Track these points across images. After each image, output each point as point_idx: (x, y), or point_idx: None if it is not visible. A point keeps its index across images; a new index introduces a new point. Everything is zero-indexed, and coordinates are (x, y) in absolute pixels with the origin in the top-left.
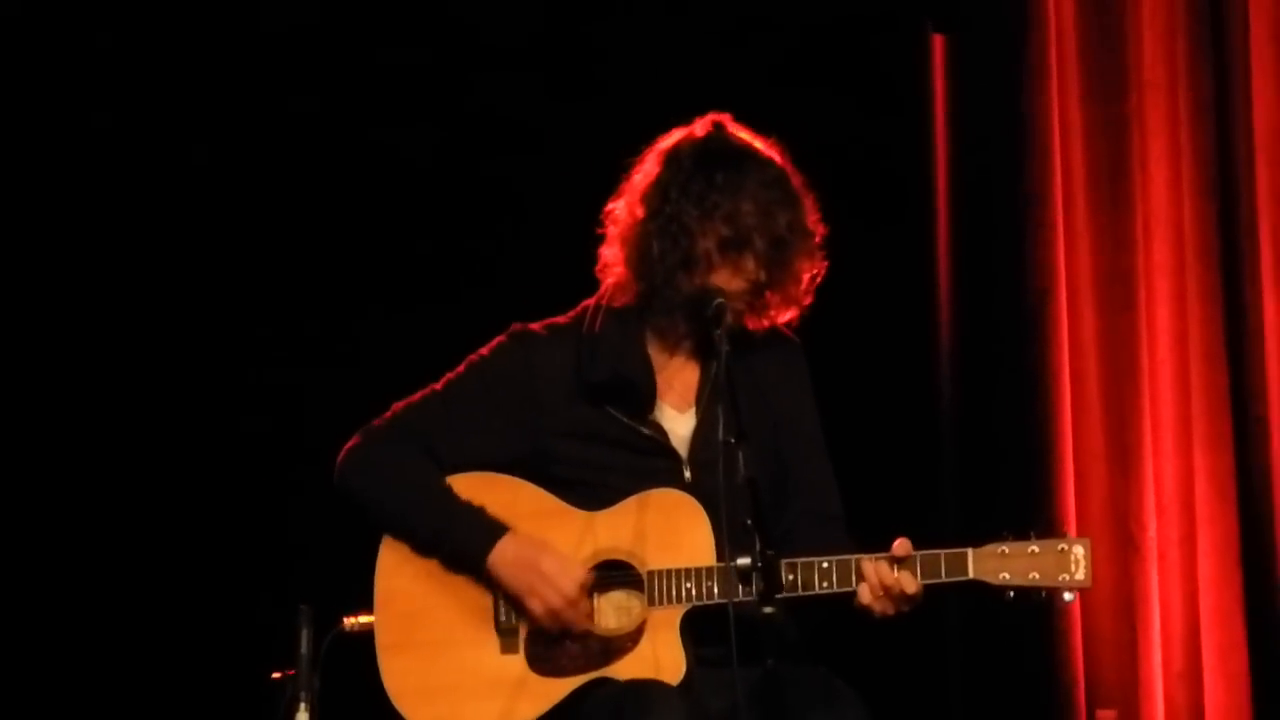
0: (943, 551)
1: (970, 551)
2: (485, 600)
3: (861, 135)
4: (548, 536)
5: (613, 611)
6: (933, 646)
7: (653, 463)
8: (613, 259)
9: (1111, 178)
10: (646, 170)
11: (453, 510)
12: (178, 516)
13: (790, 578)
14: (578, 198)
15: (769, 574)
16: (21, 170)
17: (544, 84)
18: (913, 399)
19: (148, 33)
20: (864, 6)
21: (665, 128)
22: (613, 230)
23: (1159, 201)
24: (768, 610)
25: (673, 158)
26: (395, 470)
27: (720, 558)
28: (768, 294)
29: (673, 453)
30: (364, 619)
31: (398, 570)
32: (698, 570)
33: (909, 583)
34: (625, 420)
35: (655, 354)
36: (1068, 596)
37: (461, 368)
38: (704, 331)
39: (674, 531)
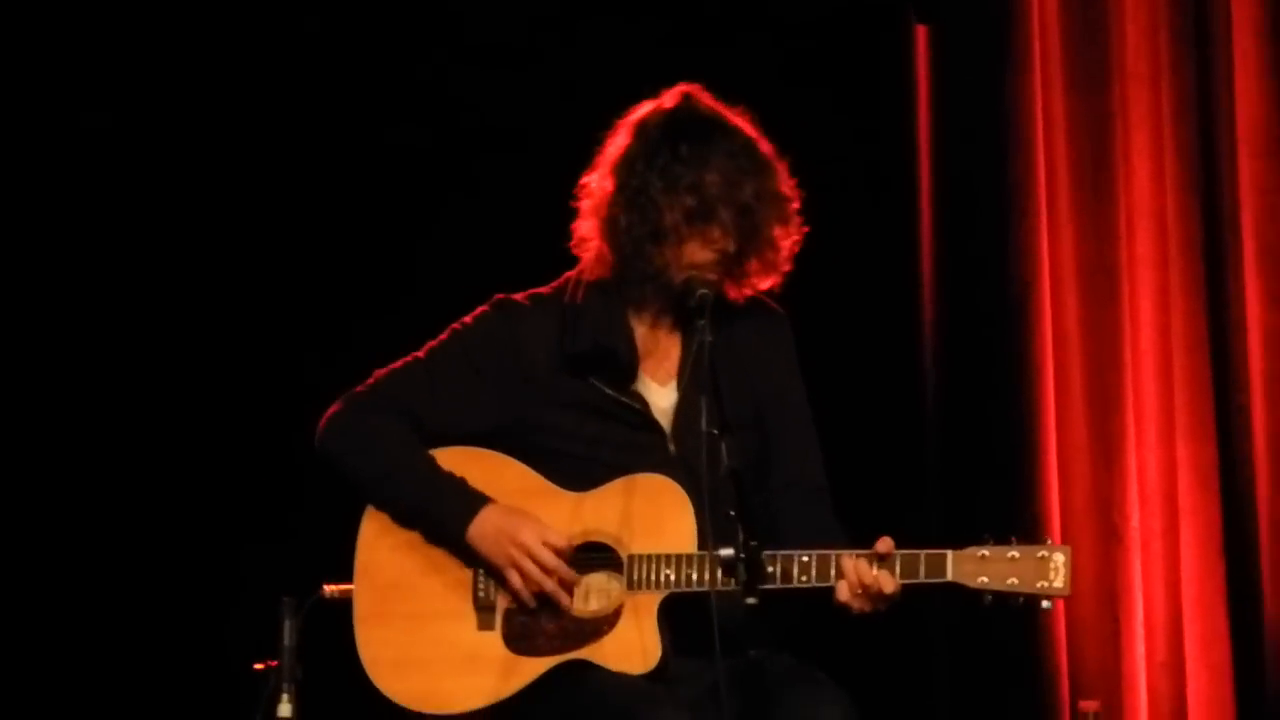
0: (922, 552)
1: (950, 554)
2: (465, 575)
3: (845, 126)
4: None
5: (592, 593)
6: (916, 638)
7: (636, 435)
8: (587, 232)
9: (1095, 170)
10: (617, 143)
11: (434, 481)
12: (159, 505)
13: (770, 569)
14: (551, 184)
15: (752, 565)
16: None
17: (527, 79)
18: (897, 390)
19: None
20: None
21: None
22: (586, 204)
23: (1142, 194)
24: (750, 601)
25: (640, 130)
26: (376, 438)
27: (702, 546)
28: (745, 262)
29: (655, 425)
30: (344, 586)
31: (379, 541)
32: (678, 557)
33: (887, 582)
34: (607, 391)
35: (637, 326)
36: (1045, 604)
37: (444, 335)
38: (685, 306)
39: (658, 517)
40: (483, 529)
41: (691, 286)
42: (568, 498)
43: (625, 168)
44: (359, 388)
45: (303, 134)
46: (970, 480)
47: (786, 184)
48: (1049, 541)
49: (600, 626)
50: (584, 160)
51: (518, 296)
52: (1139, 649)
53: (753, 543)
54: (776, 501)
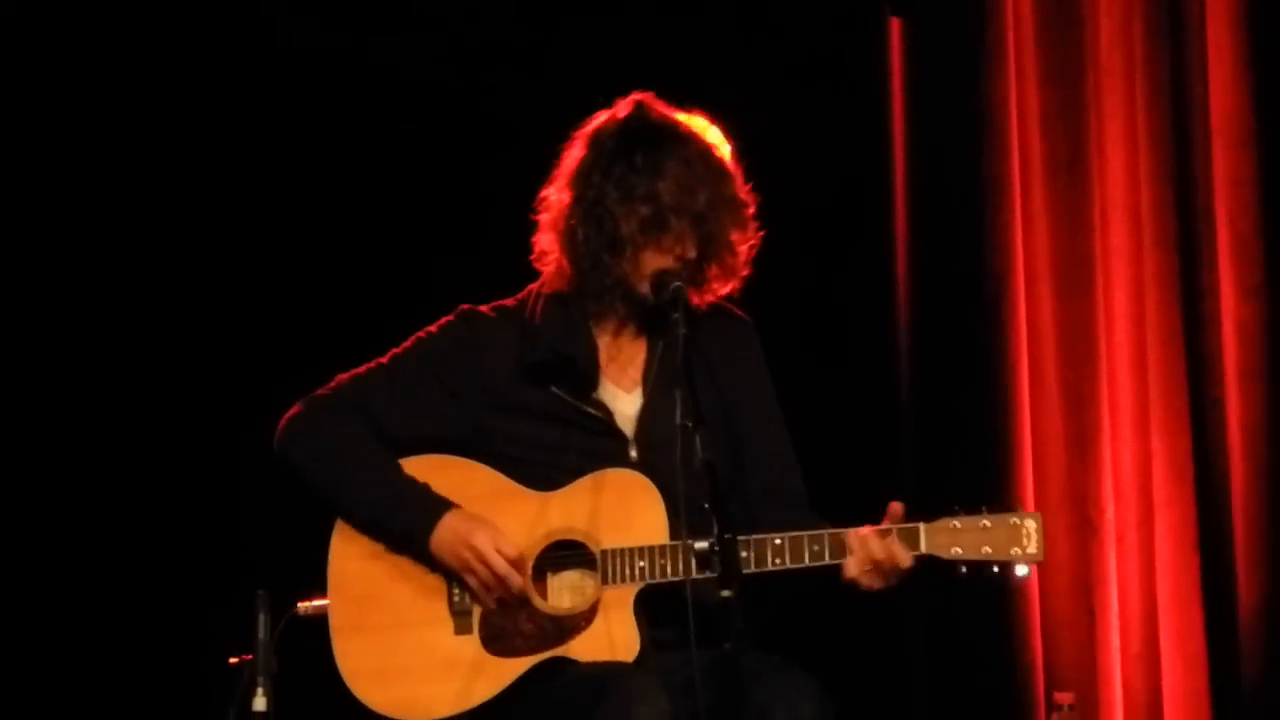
0: (894, 527)
1: (922, 526)
2: (438, 582)
3: (818, 119)
4: (500, 517)
5: (566, 591)
6: (891, 630)
7: (599, 442)
8: (547, 245)
9: (1069, 162)
10: (573, 154)
11: (395, 487)
12: (133, 502)
13: (744, 554)
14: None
15: (727, 557)
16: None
17: (504, 71)
18: (871, 383)
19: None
20: None
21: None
22: (545, 217)
23: (1116, 186)
24: (725, 594)
25: (595, 140)
26: (336, 443)
27: (674, 537)
28: (704, 268)
29: (618, 432)
30: (318, 602)
31: (350, 554)
32: (650, 549)
33: (903, 556)
34: (568, 399)
35: (599, 335)
36: (1021, 570)
37: (408, 342)
38: (649, 312)
39: (627, 511)
40: (442, 535)
41: (665, 280)
42: (536, 498)
43: (581, 179)
44: (320, 390)
45: (282, 137)
46: (945, 473)
47: (743, 189)
48: (1019, 508)
49: (577, 623)
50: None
51: (482, 308)
52: (1114, 641)
53: (727, 535)
54: (755, 507)
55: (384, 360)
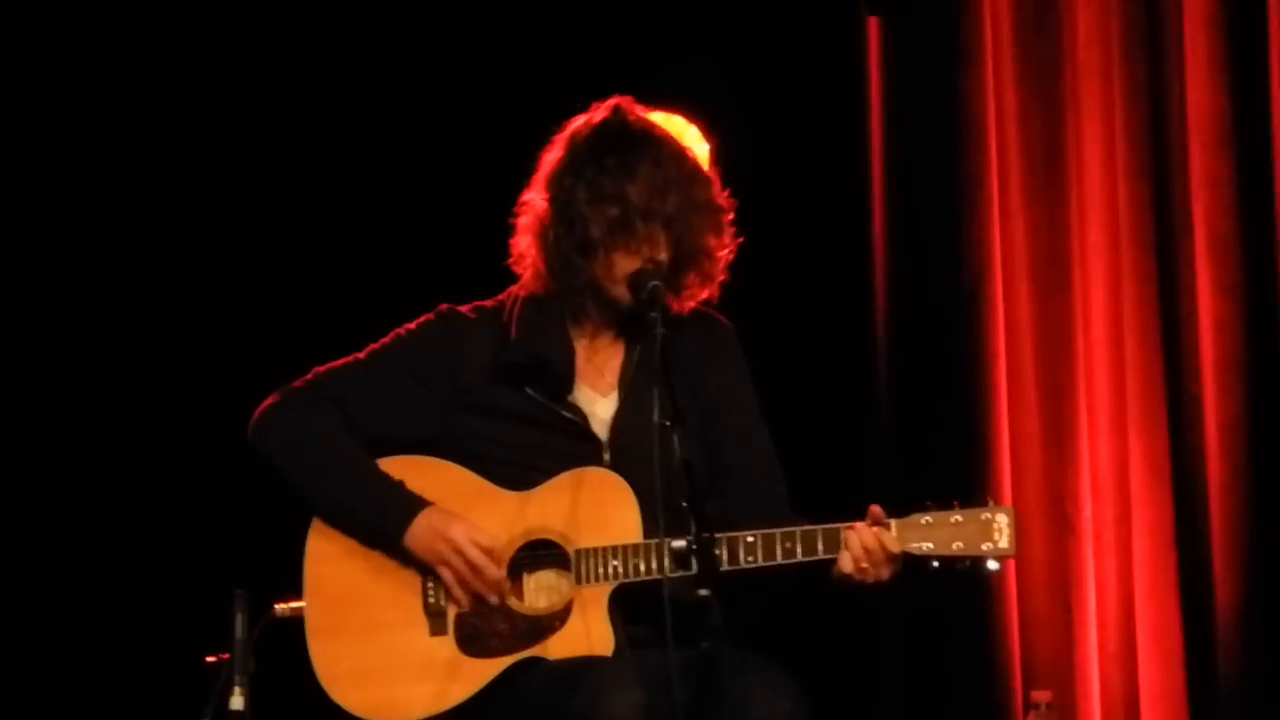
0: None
1: (894, 522)
2: (414, 583)
3: (796, 118)
4: (476, 518)
5: (542, 591)
6: (868, 629)
7: (572, 445)
8: (524, 248)
9: (1046, 160)
10: (549, 157)
11: (369, 483)
12: (109, 500)
13: (716, 553)
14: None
15: (704, 555)
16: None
17: (481, 62)
18: (848, 381)
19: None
20: None
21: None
22: (523, 220)
23: (1093, 184)
24: (702, 592)
25: (569, 143)
26: (310, 435)
27: (648, 537)
28: (680, 274)
29: (592, 436)
30: (295, 604)
31: (326, 555)
32: (625, 548)
33: (890, 540)
34: (543, 401)
35: (578, 337)
36: (992, 565)
37: (387, 339)
38: (626, 315)
39: (602, 511)
40: (416, 531)
41: (642, 280)
42: (511, 497)
43: (554, 182)
44: (296, 382)
45: (265, 128)
46: (922, 471)
47: (719, 194)
48: (992, 503)
49: (552, 623)
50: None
51: (462, 308)
52: (1091, 639)
53: (705, 534)
54: (737, 510)
55: (361, 356)
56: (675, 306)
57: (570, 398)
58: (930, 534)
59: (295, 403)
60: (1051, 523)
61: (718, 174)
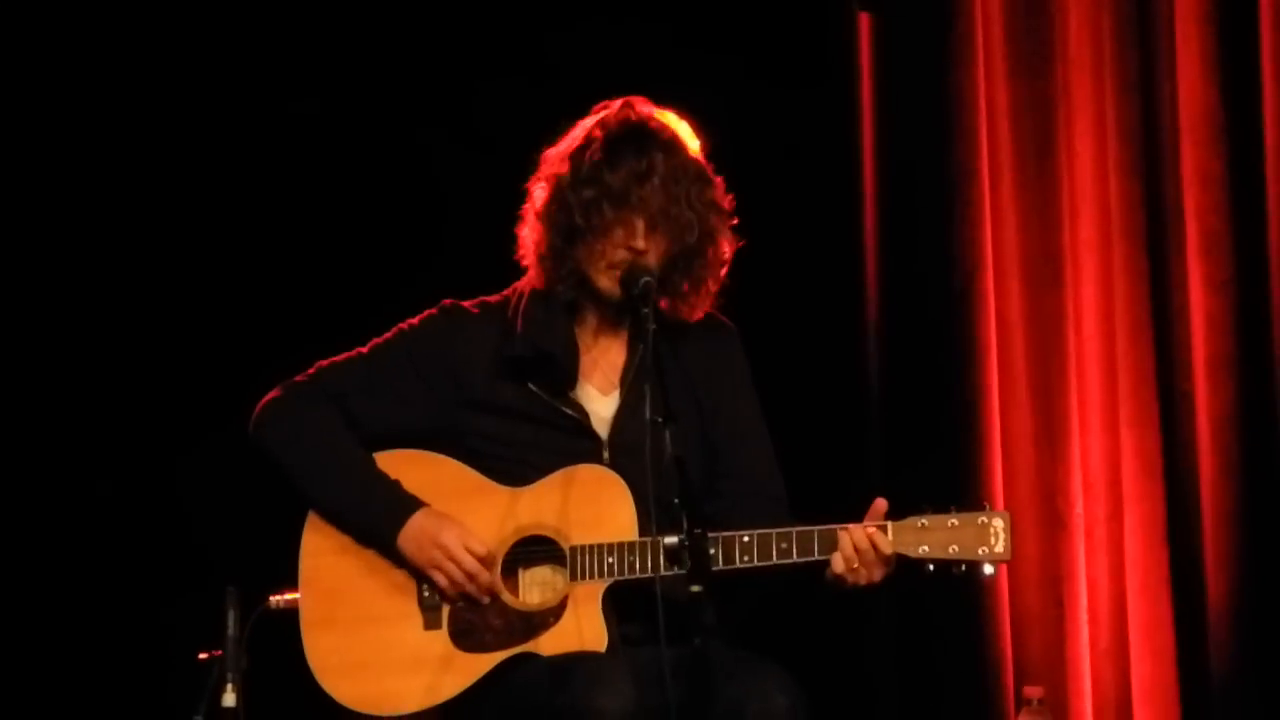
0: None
1: (890, 524)
2: (408, 577)
3: (787, 113)
4: (470, 513)
5: (536, 587)
6: (861, 626)
7: (572, 443)
8: (524, 236)
9: (1038, 155)
10: (553, 152)
11: (367, 482)
12: (101, 496)
13: (712, 552)
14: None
15: (696, 552)
16: None
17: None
18: (839, 377)
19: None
20: None
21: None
22: (525, 208)
23: (1084, 179)
24: (695, 589)
25: (575, 137)
26: (310, 431)
27: (644, 534)
28: (672, 273)
29: (593, 434)
30: (289, 597)
31: (322, 548)
32: (620, 545)
33: (882, 542)
34: (545, 398)
35: (581, 335)
36: (988, 570)
37: (389, 334)
38: (625, 313)
39: (597, 508)
40: (409, 533)
41: (635, 274)
42: (506, 493)
43: (549, 169)
44: (298, 376)
45: (263, 130)
46: (914, 467)
47: (721, 198)
48: (988, 507)
49: (546, 619)
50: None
51: (465, 303)
52: (1083, 635)
53: (697, 530)
54: (734, 512)
55: (364, 350)
56: (683, 312)
57: (572, 395)
58: (926, 537)
59: (296, 397)
60: (1043, 519)
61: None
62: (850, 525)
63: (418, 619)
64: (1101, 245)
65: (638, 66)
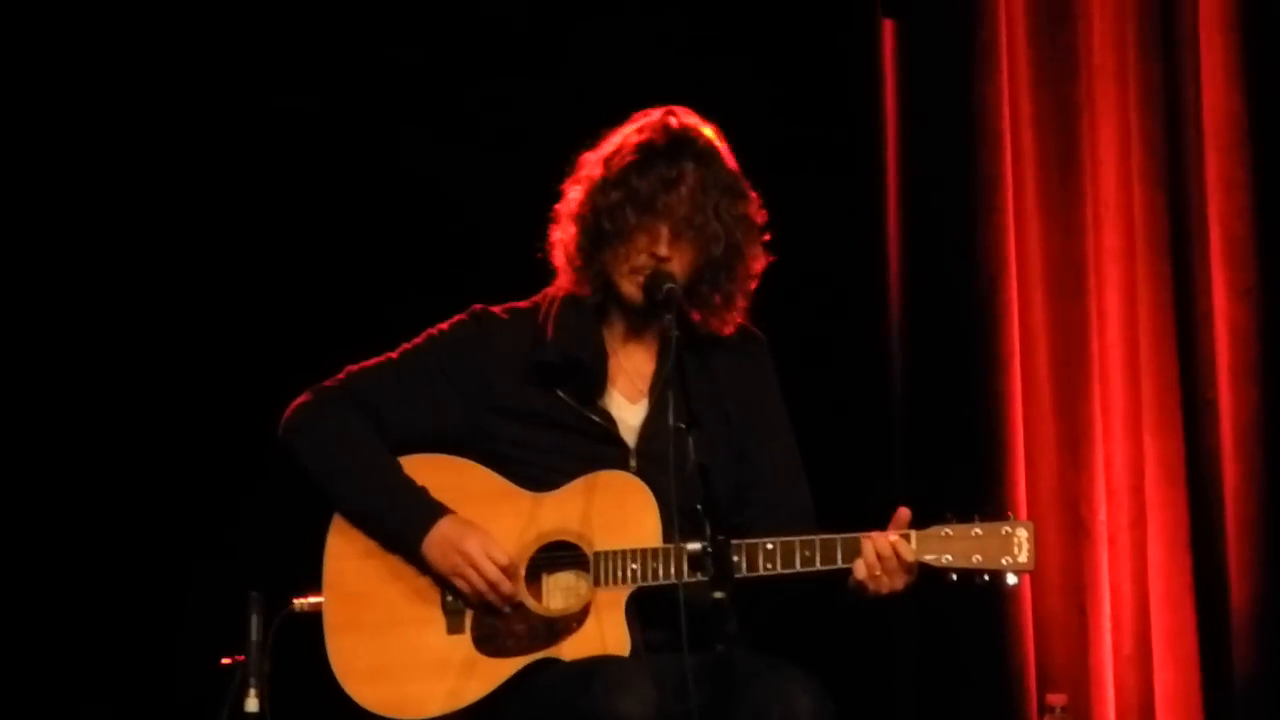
0: (896, 532)
1: (913, 533)
2: (432, 581)
3: (812, 121)
4: (494, 518)
5: (559, 592)
6: (883, 632)
7: (599, 449)
8: (555, 236)
9: (1061, 163)
10: (590, 155)
11: (393, 488)
12: (126, 500)
13: (735, 559)
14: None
15: (719, 558)
16: None
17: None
18: (864, 384)
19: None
20: None
21: (613, 114)
22: (559, 208)
23: (1108, 187)
24: (717, 595)
25: (613, 141)
26: (340, 435)
27: (667, 541)
28: (698, 284)
29: (620, 441)
30: (314, 600)
31: (347, 552)
32: (644, 551)
33: (905, 549)
34: (573, 404)
35: (611, 341)
36: (1011, 580)
37: (419, 339)
38: (656, 322)
39: (621, 513)
40: (433, 539)
41: (658, 281)
42: (530, 498)
43: (585, 173)
44: (328, 381)
45: (287, 131)
46: (937, 474)
47: (755, 213)
48: (1012, 517)
49: (569, 624)
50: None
51: (495, 308)
52: (1106, 642)
53: (720, 537)
54: (760, 520)
55: (394, 355)
56: (714, 325)
57: (600, 402)
58: (950, 546)
59: (326, 402)
60: (1066, 526)
61: None
62: (873, 533)
63: (441, 624)
64: (1125, 252)
65: (658, 71)
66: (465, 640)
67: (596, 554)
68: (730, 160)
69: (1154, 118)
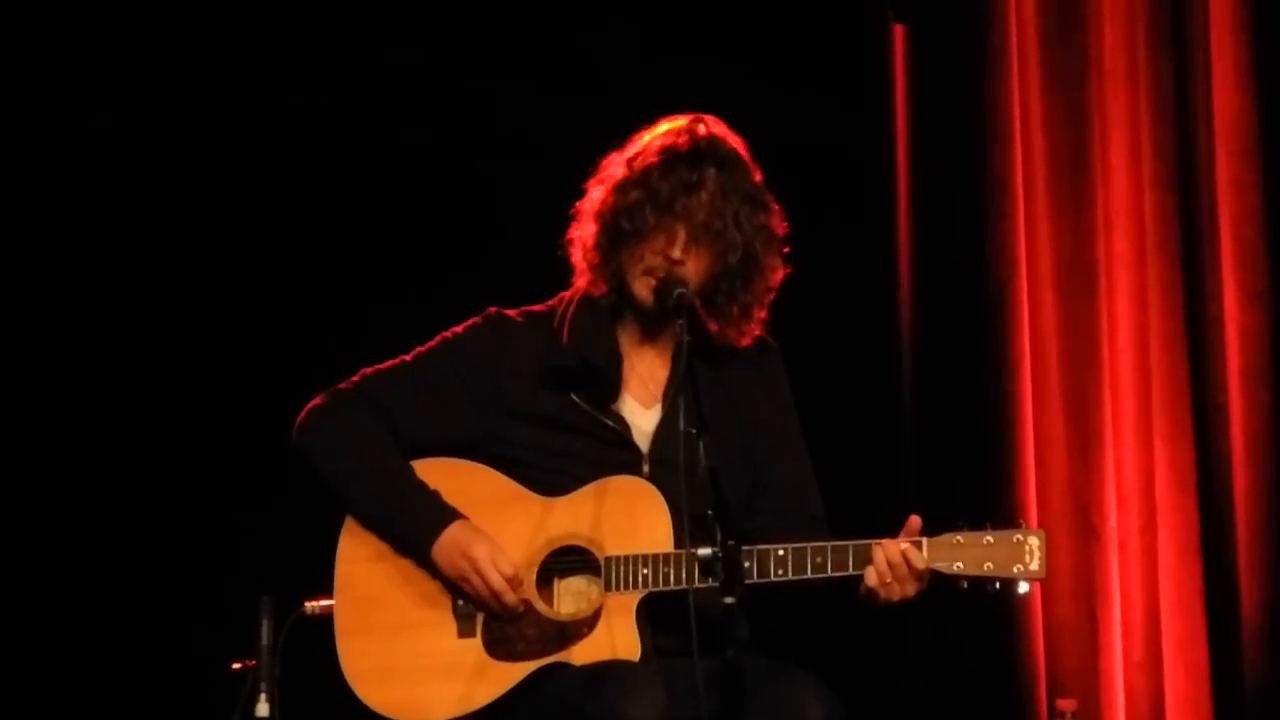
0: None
1: (925, 540)
2: (443, 585)
3: (823, 125)
4: (505, 522)
5: (570, 597)
6: (894, 638)
7: (612, 454)
8: (574, 234)
9: (1072, 168)
10: (615, 155)
11: (405, 492)
12: (137, 505)
13: (746, 565)
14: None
15: (730, 563)
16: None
17: (532, 80)
18: (874, 388)
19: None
20: None
21: (626, 121)
22: (580, 204)
23: (1119, 192)
24: (728, 600)
25: (639, 143)
26: (353, 441)
27: (679, 546)
28: (715, 292)
29: (634, 447)
30: (325, 602)
31: (358, 555)
32: (655, 556)
33: (915, 557)
34: (587, 409)
35: (626, 346)
36: (1022, 588)
37: (434, 343)
38: (664, 323)
39: (632, 519)
40: (443, 543)
41: (670, 285)
42: (542, 503)
43: (608, 173)
44: (343, 384)
45: (302, 132)
46: (947, 479)
47: (776, 224)
48: (1023, 525)
49: (580, 629)
50: (571, 163)
51: (510, 311)
52: (1116, 648)
53: (730, 541)
54: (772, 528)
55: (408, 358)
56: (731, 336)
57: (614, 407)
58: (961, 553)
59: (339, 404)
60: (1076, 531)
61: None
62: (884, 540)
63: (452, 627)
64: (1136, 256)
65: (665, 75)
66: (476, 644)
67: (608, 559)
68: (755, 171)
69: (1165, 121)
